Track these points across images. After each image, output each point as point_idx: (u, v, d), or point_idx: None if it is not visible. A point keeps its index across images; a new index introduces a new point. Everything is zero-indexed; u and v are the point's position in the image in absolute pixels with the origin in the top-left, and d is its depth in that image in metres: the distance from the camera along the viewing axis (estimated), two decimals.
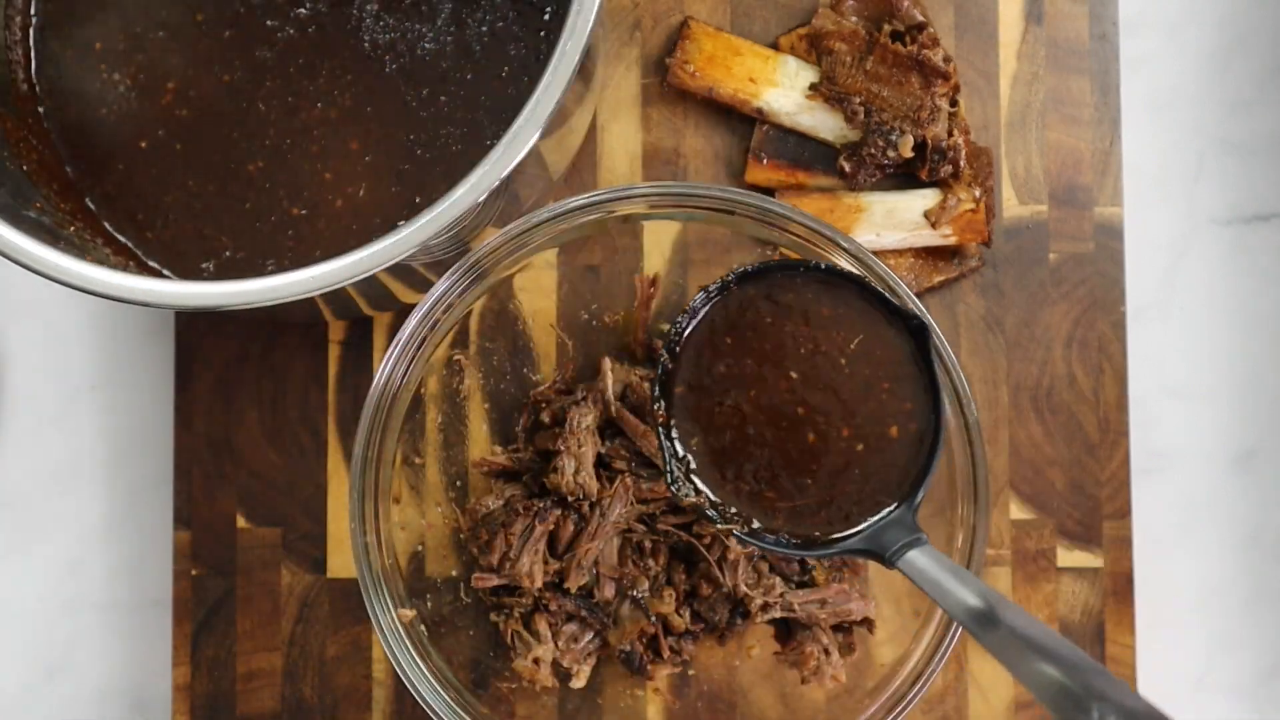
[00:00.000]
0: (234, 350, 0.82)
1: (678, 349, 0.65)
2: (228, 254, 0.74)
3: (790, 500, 0.64)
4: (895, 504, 0.63)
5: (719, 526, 0.64)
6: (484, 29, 0.74)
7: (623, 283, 0.79)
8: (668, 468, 0.64)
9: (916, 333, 0.64)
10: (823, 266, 0.66)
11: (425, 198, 0.73)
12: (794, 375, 0.64)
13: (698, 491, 0.64)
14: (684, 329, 0.65)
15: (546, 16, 0.74)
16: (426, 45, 0.74)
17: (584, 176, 0.83)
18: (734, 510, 0.64)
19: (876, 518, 0.63)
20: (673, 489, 0.64)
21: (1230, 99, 0.86)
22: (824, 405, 0.64)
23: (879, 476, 0.64)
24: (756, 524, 0.64)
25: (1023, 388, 0.82)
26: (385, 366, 0.70)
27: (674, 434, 0.65)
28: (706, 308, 0.65)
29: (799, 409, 0.64)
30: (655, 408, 0.65)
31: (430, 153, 0.74)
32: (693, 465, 0.64)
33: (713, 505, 0.64)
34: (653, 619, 0.75)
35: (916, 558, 0.60)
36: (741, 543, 0.67)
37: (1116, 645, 0.81)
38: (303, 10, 0.75)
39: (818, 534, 0.64)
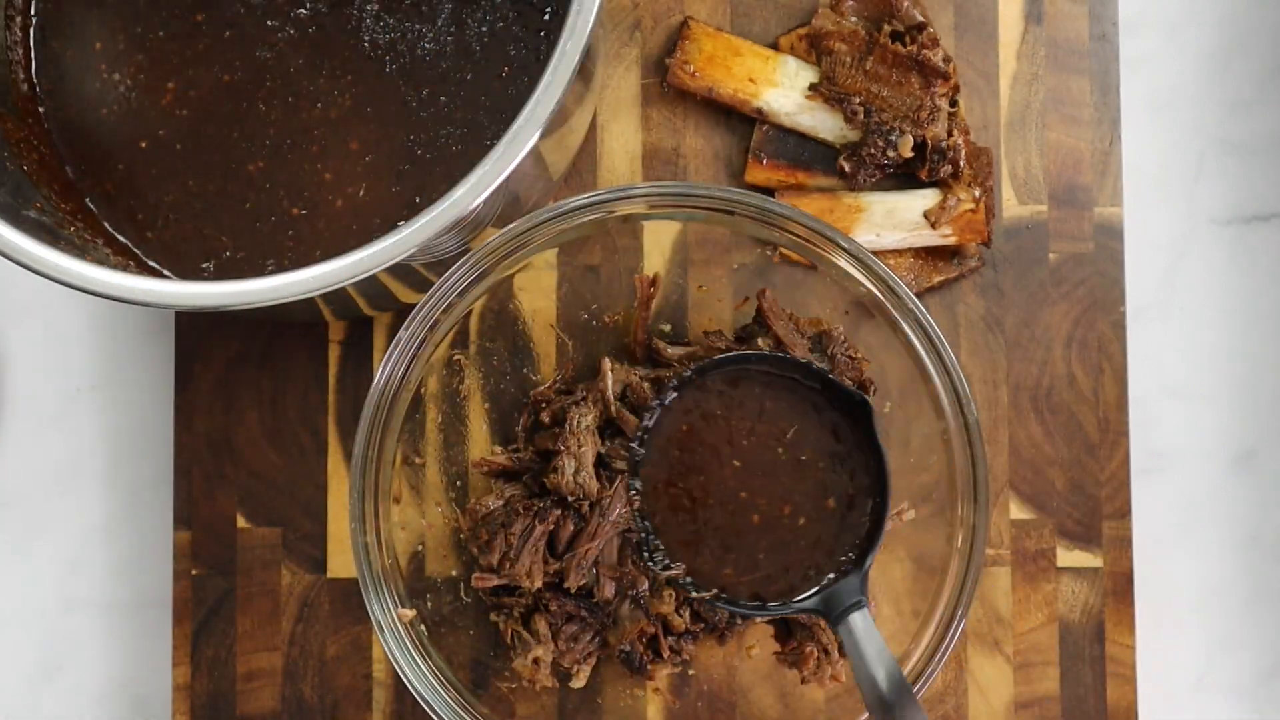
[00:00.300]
0: (234, 350, 0.82)
1: (645, 437, 0.69)
2: (228, 254, 0.74)
3: (749, 573, 0.68)
4: (848, 567, 0.68)
5: (694, 595, 0.68)
6: (484, 29, 0.74)
7: (623, 283, 0.79)
8: (645, 546, 0.68)
9: (859, 408, 0.68)
10: (769, 355, 0.71)
11: (425, 198, 0.73)
12: (737, 463, 0.69)
13: (671, 567, 0.69)
14: (651, 420, 0.69)
15: (546, 16, 0.74)
16: (426, 45, 0.74)
17: (584, 176, 0.83)
18: (704, 584, 0.69)
19: (830, 578, 0.68)
20: (650, 564, 0.68)
21: (1230, 99, 0.86)
22: (764, 489, 0.69)
23: (826, 543, 0.69)
24: (724, 595, 0.69)
25: (1023, 388, 0.82)
26: (385, 366, 0.70)
27: (646, 516, 0.69)
28: (671, 399, 0.69)
29: (742, 493, 0.69)
30: (630, 494, 0.69)
31: (430, 153, 0.74)
32: (660, 545, 0.69)
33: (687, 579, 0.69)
34: (653, 619, 0.75)
35: (856, 621, 0.65)
36: (714, 608, 0.74)
37: (1116, 645, 0.81)
38: (303, 10, 0.75)
39: (779, 601, 0.68)
